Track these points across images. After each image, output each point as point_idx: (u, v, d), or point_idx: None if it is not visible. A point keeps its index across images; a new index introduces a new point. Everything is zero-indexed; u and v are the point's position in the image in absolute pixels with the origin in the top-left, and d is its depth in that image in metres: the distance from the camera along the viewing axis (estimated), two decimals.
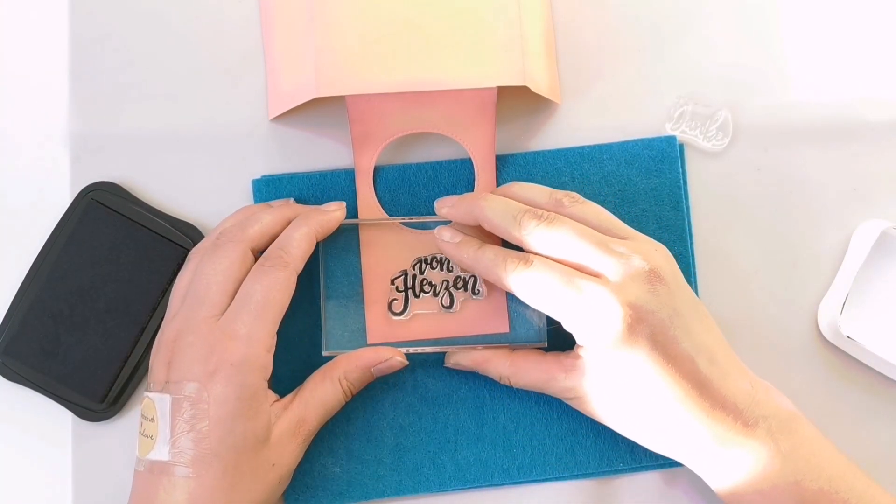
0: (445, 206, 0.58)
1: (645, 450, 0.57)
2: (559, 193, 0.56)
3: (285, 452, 0.54)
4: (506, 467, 0.59)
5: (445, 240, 0.57)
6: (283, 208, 0.58)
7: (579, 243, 0.53)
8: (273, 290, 0.54)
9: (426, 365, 0.60)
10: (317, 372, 0.57)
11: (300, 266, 0.55)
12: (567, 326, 0.54)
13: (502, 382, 0.58)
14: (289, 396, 0.56)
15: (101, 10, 0.62)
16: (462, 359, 0.58)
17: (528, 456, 0.59)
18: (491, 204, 0.55)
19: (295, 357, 0.59)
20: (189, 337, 0.53)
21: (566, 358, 0.56)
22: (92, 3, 0.62)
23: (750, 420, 0.53)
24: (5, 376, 0.59)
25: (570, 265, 0.53)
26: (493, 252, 0.55)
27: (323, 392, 0.56)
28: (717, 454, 0.53)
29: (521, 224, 0.54)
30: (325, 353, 0.58)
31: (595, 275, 0.53)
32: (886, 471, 0.60)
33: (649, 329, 0.52)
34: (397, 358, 0.57)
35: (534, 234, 0.54)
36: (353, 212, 0.60)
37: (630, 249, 0.53)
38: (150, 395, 0.53)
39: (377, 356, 0.57)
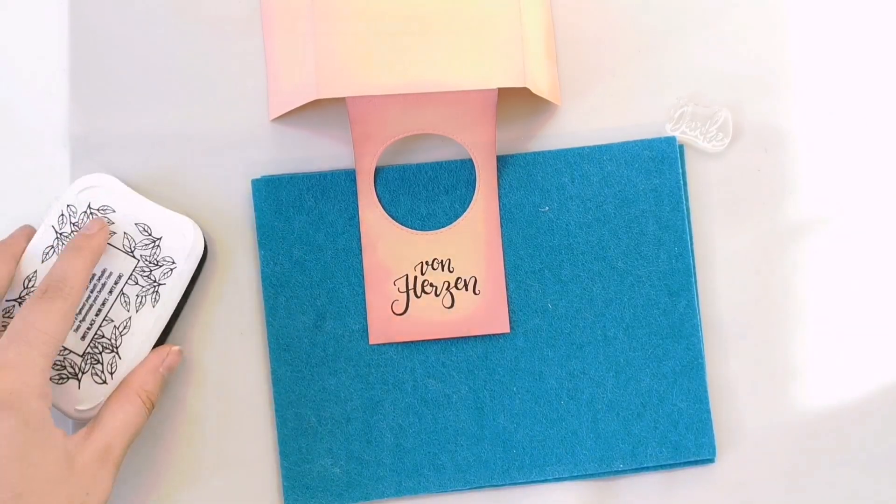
0: None
1: (645, 450, 0.57)
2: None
3: (97, 481, 0.52)
4: (506, 468, 0.59)
5: None
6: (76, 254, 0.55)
7: None
8: (52, 322, 0.52)
9: (426, 366, 0.60)
10: (112, 396, 0.55)
11: (79, 300, 0.54)
12: None
13: None
14: (85, 429, 0.54)
15: (102, 9, 0.62)
16: None
17: (528, 456, 0.59)
18: None
19: (295, 357, 0.59)
20: None
21: None
22: (92, 3, 0.62)
23: None
24: None
25: None
26: None
27: (125, 415, 0.54)
28: None
29: None
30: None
31: None
32: (887, 472, 0.60)
33: None
34: (174, 348, 0.57)
35: None
36: (354, 212, 0.60)
37: None
38: None
39: (158, 356, 0.57)
